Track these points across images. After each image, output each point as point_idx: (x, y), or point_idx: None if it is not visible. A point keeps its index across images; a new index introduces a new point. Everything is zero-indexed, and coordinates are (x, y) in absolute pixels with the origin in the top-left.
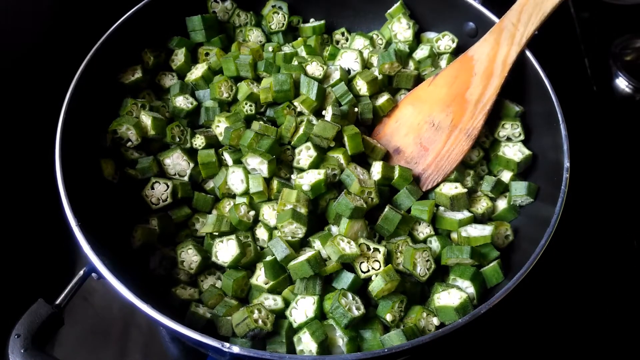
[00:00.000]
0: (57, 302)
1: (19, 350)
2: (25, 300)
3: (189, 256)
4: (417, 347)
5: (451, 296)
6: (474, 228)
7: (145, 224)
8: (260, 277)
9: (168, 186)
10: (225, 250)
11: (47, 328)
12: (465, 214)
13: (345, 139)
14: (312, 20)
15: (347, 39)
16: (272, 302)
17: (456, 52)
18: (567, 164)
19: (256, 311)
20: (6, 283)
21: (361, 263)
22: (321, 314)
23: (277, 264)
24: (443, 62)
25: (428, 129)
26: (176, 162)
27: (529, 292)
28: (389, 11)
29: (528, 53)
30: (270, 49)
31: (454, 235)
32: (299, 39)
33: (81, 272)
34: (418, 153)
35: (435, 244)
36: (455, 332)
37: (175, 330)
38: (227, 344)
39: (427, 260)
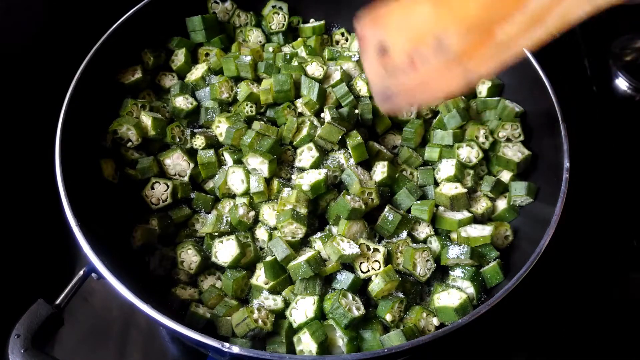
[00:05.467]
0: (57, 302)
1: (19, 350)
2: (25, 300)
3: (189, 256)
4: (417, 347)
5: (451, 296)
6: (474, 228)
7: (145, 224)
8: (260, 277)
9: (168, 186)
10: (225, 251)
11: (47, 328)
12: (465, 214)
13: (350, 148)
14: (312, 20)
15: (347, 39)
16: (272, 302)
17: None
18: (567, 164)
19: (256, 311)
20: (6, 283)
21: (361, 263)
22: (321, 314)
23: (277, 264)
24: None
25: (431, 43)
26: (176, 162)
27: (529, 292)
28: None
29: (528, 53)
30: (271, 49)
31: (454, 236)
32: (299, 39)
33: (81, 272)
34: (402, 64)
35: (435, 244)
36: (455, 332)
37: (175, 330)
38: (227, 344)
39: (427, 260)
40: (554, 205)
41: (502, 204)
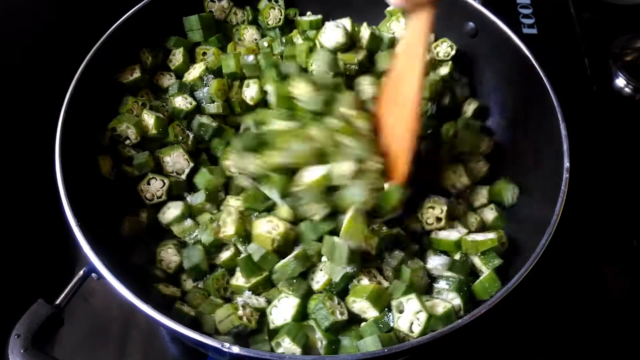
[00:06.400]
0: (57, 302)
1: (19, 350)
2: (25, 300)
3: (169, 255)
4: (417, 347)
5: (435, 306)
6: (477, 234)
7: (135, 215)
8: (240, 279)
9: (164, 183)
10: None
11: (47, 328)
12: (461, 231)
13: None
14: (309, 13)
15: None
16: (256, 301)
17: (454, 58)
18: (567, 164)
19: (241, 308)
20: (6, 283)
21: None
22: (302, 316)
23: (251, 260)
24: (443, 69)
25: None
26: (176, 160)
27: (528, 292)
28: (388, 8)
29: (528, 53)
30: (266, 44)
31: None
32: (294, 30)
33: (81, 272)
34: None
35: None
36: (455, 332)
37: (175, 330)
38: (227, 344)
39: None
40: (554, 205)
41: (490, 215)
